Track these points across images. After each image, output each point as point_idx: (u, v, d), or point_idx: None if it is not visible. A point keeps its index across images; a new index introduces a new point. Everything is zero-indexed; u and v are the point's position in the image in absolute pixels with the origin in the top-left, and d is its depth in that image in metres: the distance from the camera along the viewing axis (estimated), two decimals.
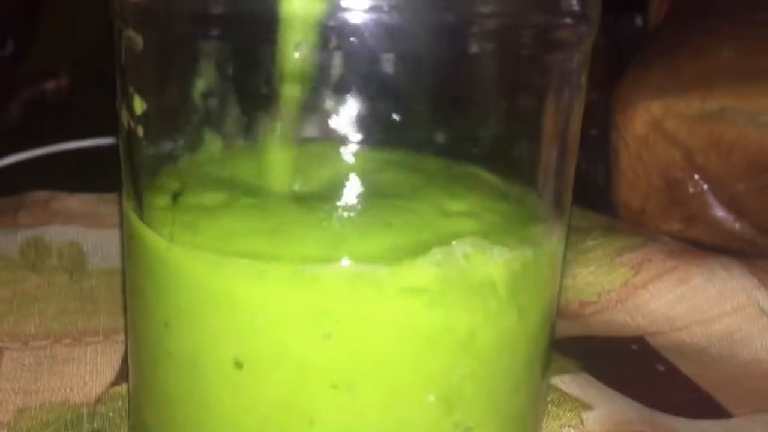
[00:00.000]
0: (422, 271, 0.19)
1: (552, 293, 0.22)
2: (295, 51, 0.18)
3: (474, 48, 0.19)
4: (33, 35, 0.67)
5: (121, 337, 0.31)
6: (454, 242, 0.19)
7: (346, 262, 0.19)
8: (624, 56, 0.61)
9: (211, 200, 0.20)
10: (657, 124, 0.39)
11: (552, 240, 0.21)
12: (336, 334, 0.19)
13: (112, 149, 0.47)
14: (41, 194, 0.41)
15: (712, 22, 0.42)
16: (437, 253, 0.19)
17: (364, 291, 0.19)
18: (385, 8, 0.17)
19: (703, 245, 0.39)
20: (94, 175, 0.45)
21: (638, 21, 0.74)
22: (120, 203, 0.40)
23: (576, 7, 0.19)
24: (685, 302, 0.33)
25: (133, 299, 0.22)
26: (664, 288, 0.34)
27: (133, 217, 0.21)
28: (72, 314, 0.32)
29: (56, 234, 0.37)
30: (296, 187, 0.20)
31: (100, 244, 0.37)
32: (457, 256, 0.19)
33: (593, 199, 0.42)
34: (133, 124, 0.20)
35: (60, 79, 0.65)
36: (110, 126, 0.49)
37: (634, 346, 0.32)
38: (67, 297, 0.33)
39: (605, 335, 0.33)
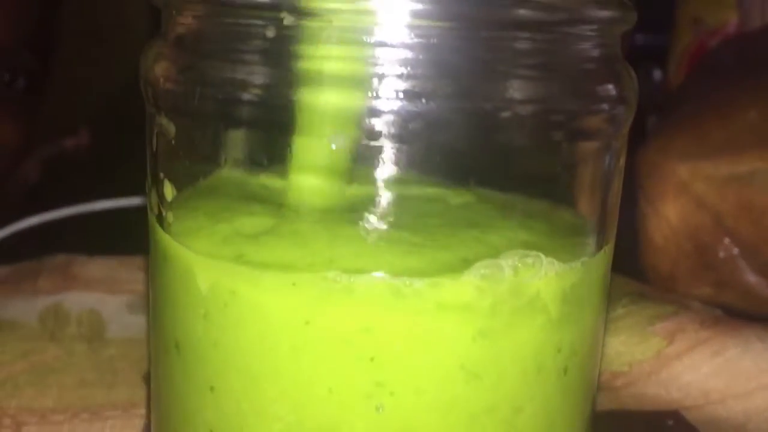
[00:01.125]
0: (465, 285, 0.18)
1: (597, 335, 0.21)
2: (331, 143, 0.17)
3: (510, 135, 0.18)
4: (45, 72, 0.67)
5: (140, 411, 0.30)
6: (501, 255, 0.18)
7: (379, 273, 0.18)
8: (642, 110, 0.60)
9: (257, 228, 0.19)
10: (685, 188, 0.39)
11: (600, 266, 0.21)
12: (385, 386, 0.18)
13: (132, 210, 0.47)
14: (60, 258, 0.41)
15: (736, 83, 0.42)
16: (482, 267, 0.18)
17: (401, 306, 0.18)
18: (424, 100, 0.17)
19: (735, 311, 0.38)
20: (114, 236, 0.45)
21: (656, 75, 0.74)
22: (147, 267, 0.40)
23: (613, 92, 0.19)
24: (721, 375, 0.32)
25: (167, 365, 0.21)
26: (698, 360, 0.33)
27: (188, 256, 0.19)
28: (91, 387, 0.31)
29: (75, 301, 0.37)
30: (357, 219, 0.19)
31: (120, 311, 0.37)
32: (504, 269, 0.18)
33: (620, 262, 0.41)
34: (163, 211, 0.20)
35: (79, 135, 0.65)
36: (130, 186, 0.49)
37: (670, 422, 0.31)
38: (86, 368, 0.33)
39: (639, 410, 0.32)
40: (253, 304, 0.18)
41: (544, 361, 0.19)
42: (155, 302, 0.21)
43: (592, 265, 0.20)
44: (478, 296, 0.18)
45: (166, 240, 0.20)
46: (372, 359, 0.18)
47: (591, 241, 0.21)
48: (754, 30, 0.51)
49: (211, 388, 0.19)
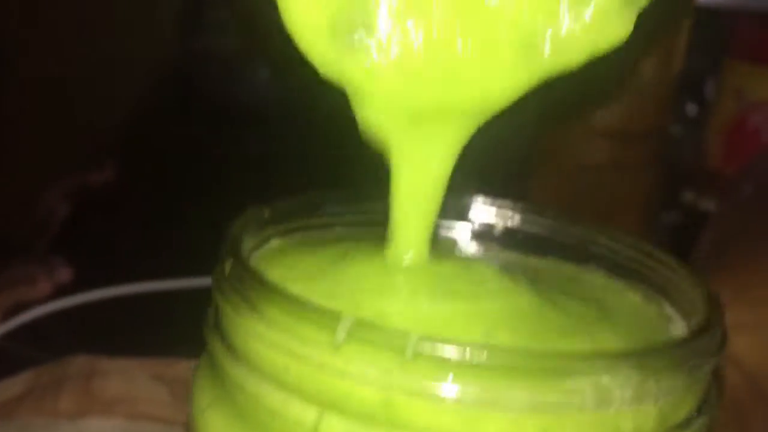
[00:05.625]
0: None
1: None
2: None
3: None
4: None
5: None
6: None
7: None
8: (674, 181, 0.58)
9: None
10: None
11: None
12: None
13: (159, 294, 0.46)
14: (82, 363, 0.40)
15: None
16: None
17: None
18: None
19: None
20: (141, 321, 0.45)
21: (690, 110, 0.72)
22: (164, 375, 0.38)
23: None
24: None
25: None
26: None
27: None
28: None
29: (96, 428, 0.37)
30: None
31: None
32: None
33: None
34: None
35: (104, 170, 0.62)
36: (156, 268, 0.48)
37: None
38: None
39: None
40: None
41: None
42: None
43: None
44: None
45: None
46: None
47: None
48: None
49: None
